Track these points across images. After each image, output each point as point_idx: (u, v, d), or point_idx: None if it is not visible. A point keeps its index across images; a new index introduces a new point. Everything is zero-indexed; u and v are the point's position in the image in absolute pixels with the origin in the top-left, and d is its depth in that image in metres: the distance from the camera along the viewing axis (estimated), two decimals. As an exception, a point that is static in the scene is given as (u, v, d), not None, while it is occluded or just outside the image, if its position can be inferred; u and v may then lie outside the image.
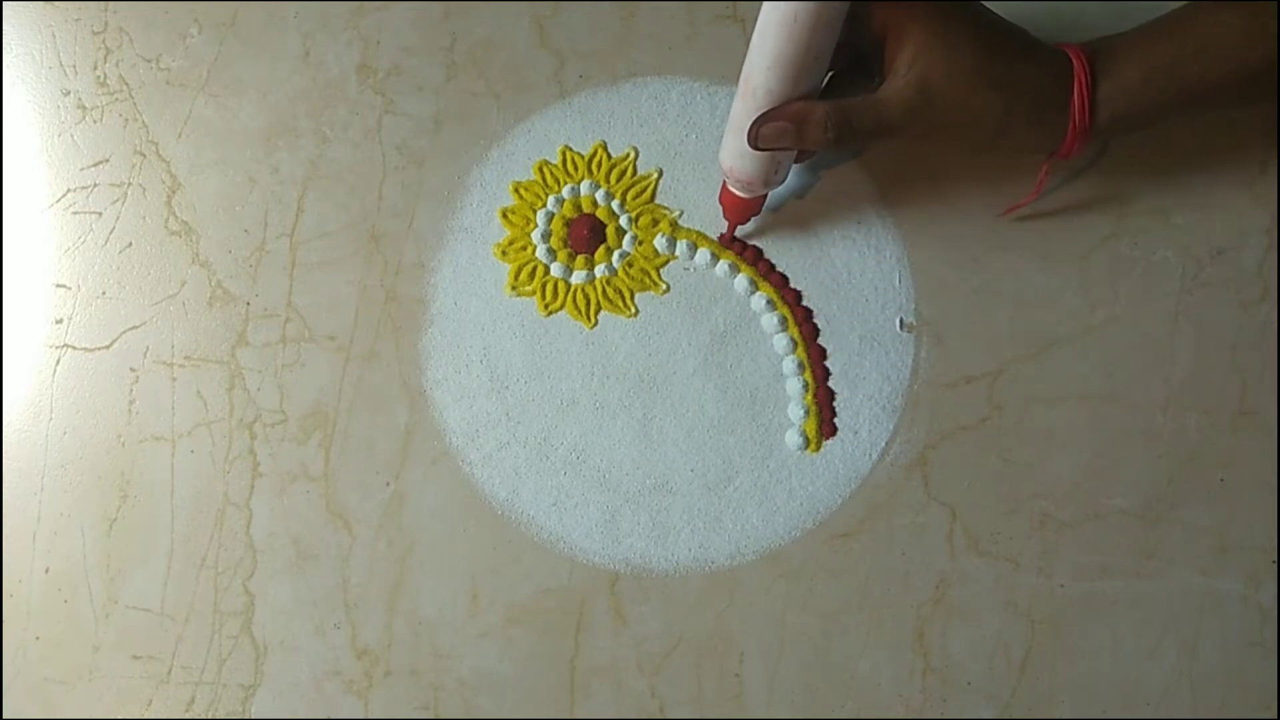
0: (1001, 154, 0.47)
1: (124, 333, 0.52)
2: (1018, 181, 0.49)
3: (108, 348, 0.52)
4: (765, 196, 0.48)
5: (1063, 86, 0.42)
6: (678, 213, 0.51)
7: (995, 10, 0.43)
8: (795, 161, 0.48)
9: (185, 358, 0.51)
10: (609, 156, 0.52)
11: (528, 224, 0.51)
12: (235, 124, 0.53)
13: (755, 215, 0.49)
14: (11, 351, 0.52)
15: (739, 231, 0.50)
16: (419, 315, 0.51)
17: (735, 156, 0.45)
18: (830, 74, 0.44)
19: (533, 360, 0.50)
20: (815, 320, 0.50)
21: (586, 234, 0.51)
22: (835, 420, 0.49)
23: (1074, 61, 0.42)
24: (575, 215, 0.51)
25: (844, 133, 0.42)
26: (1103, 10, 0.50)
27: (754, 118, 0.43)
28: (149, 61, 0.54)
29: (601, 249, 0.51)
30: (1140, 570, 0.48)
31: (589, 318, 0.50)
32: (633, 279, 0.51)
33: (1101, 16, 0.50)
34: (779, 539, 0.49)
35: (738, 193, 0.47)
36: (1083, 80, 0.42)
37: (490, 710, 0.48)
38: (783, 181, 0.47)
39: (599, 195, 0.51)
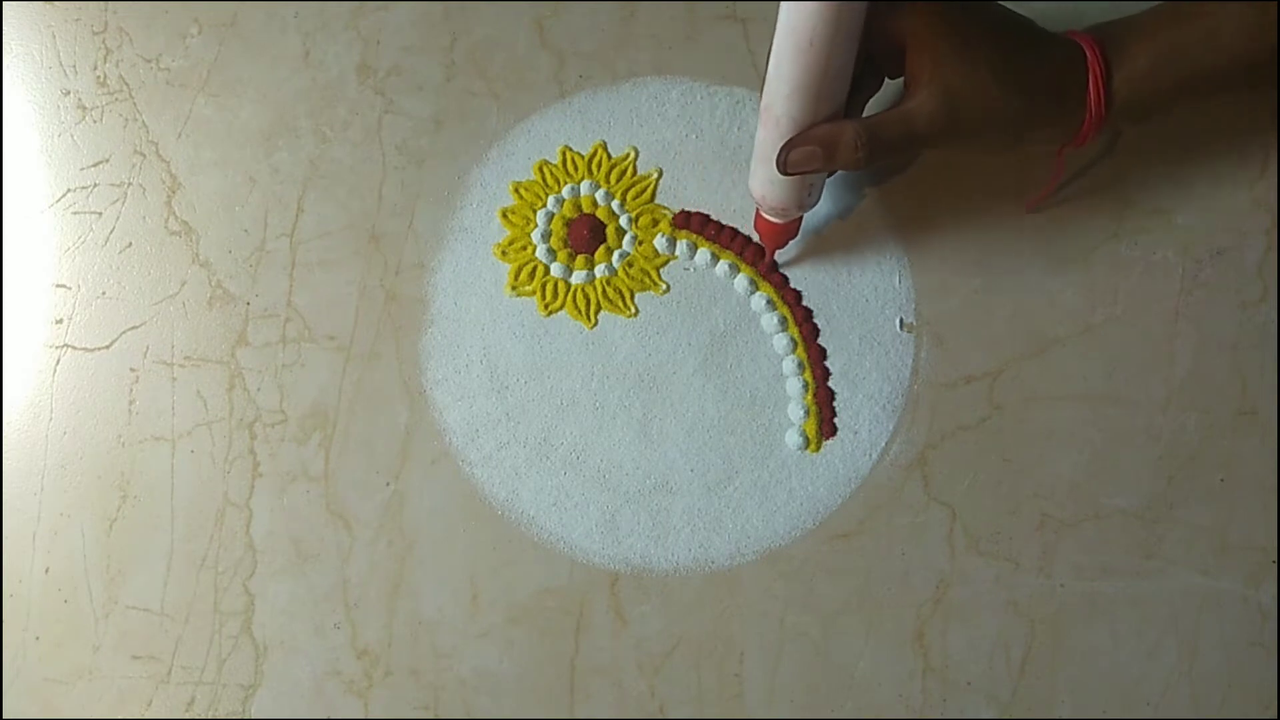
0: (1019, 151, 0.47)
1: (124, 333, 0.52)
2: (1016, 179, 0.49)
3: (108, 348, 0.52)
4: (801, 219, 0.48)
5: (1077, 77, 0.42)
6: (677, 212, 0.51)
7: (1005, 5, 0.43)
8: (829, 176, 0.47)
9: (185, 358, 0.51)
10: (609, 156, 0.52)
11: (528, 224, 0.51)
12: (235, 124, 0.53)
13: (793, 239, 0.48)
14: (11, 351, 0.52)
15: (779, 256, 0.50)
16: (419, 315, 0.51)
17: (765, 184, 0.45)
18: None
19: (533, 360, 0.50)
20: (815, 320, 0.50)
21: (586, 234, 0.51)
22: (835, 420, 0.49)
23: (1087, 52, 0.42)
24: (575, 215, 0.51)
25: (874, 150, 0.42)
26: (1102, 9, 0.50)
27: (780, 145, 0.42)
28: (149, 61, 0.54)
29: (601, 249, 0.51)
30: (1140, 570, 0.48)
31: (589, 318, 0.50)
32: (633, 279, 0.51)
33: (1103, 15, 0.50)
34: (779, 539, 0.49)
35: (772, 219, 0.47)
36: (1097, 71, 0.42)
37: (490, 710, 0.48)
38: (816, 202, 0.46)
39: (599, 195, 0.51)
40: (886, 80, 0.45)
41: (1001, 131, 0.43)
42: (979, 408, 0.49)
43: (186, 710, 0.49)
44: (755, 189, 0.45)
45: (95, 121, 0.54)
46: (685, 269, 0.51)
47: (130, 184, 0.53)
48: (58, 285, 0.52)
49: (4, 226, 0.53)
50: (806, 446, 0.49)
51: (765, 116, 0.43)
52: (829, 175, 0.48)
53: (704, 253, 0.50)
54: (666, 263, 0.51)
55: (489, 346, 0.51)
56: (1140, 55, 0.42)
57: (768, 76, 0.42)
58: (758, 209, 0.47)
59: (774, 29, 0.40)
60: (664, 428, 0.50)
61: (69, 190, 0.53)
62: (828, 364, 0.49)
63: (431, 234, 0.52)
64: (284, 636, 0.49)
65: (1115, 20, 0.44)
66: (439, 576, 0.49)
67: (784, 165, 0.42)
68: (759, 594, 0.48)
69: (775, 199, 0.45)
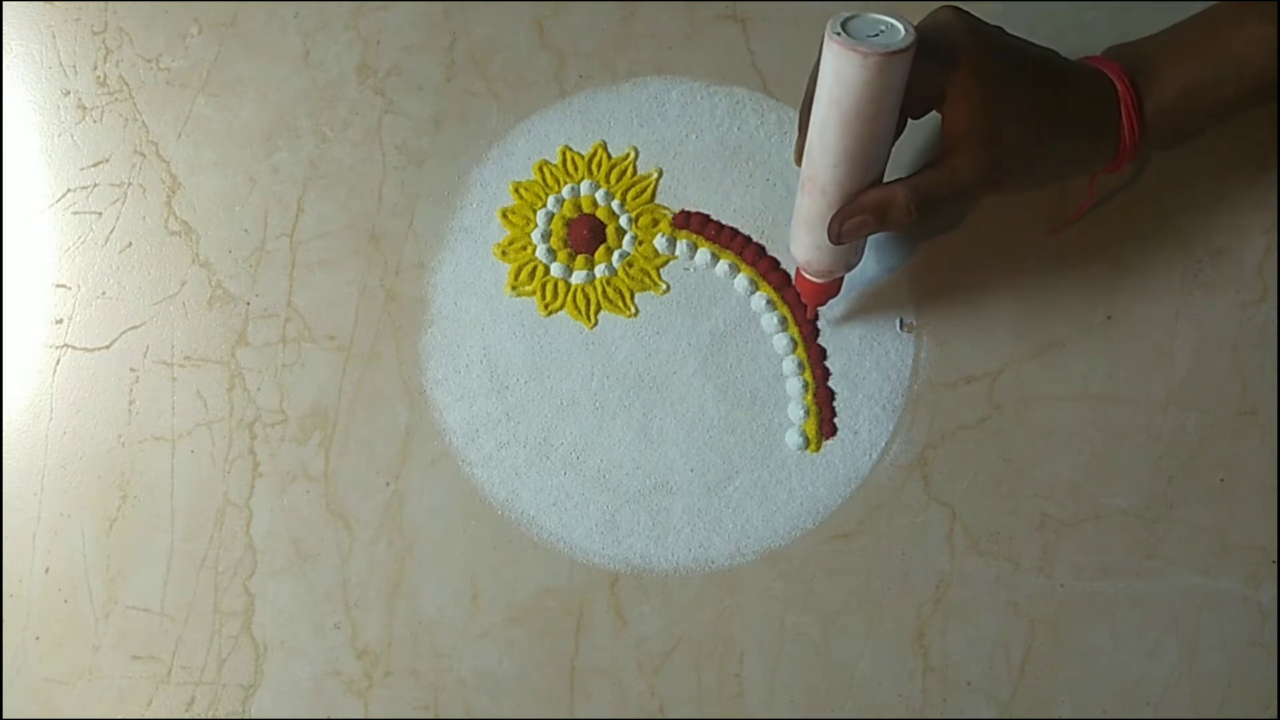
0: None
1: (124, 333, 0.52)
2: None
3: (108, 348, 0.52)
4: (843, 278, 0.47)
5: (1109, 110, 0.42)
6: (677, 212, 0.51)
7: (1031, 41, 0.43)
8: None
9: (185, 358, 0.51)
10: (609, 156, 0.52)
11: (528, 224, 0.51)
12: (235, 124, 0.53)
13: (834, 297, 0.48)
14: (11, 351, 0.52)
15: (824, 312, 0.50)
16: (419, 315, 0.51)
17: (810, 250, 0.45)
18: None
19: (533, 360, 0.50)
20: (815, 320, 0.50)
21: (586, 234, 0.51)
22: (835, 420, 0.49)
23: (1117, 84, 0.42)
24: (575, 215, 0.51)
25: (925, 210, 0.42)
26: (1103, 10, 0.50)
27: (826, 215, 0.42)
28: (149, 61, 0.54)
29: (601, 249, 0.51)
30: (1140, 570, 0.48)
31: (589, 318, 0.50)
32: (633, 279, 0.51)
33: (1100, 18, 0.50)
34: (779, 539, 0.49)
35: (815, 280, 0.46)
36: (1129, 101, 0.42)
37: (490, 710, 0.48)
38: (860, 260, 0.46)
39: (599, 195, 0.51)
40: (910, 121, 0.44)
41: (1043, 173, 0.43)
42: (979, 408, 0.49)
43: (186, 710, 0.49)
44: (800, 254, 0.45)
45: (95, 121, 0.54)
46: (685, 269, 0.51)
47: (130, 184, 0.53)
48: (58, 285, 0.52)
49: (4, 226, 0.53)
50: (806, 446, 0.49)
51: (809, 186, 0.42)
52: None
53: (704, 253, 0.50)
54: (666, 263, 0.51)
55: (489, 346, 0.51)
56: (1170, 83, 0.42)
57: (809, 147, 0.42)
58: (798, 269, 0.47)
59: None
60: (664, 428, 0.50)
61: (69, 190, 0.53)
62: (828, 364, 0.49)
63: (431, 234, 0.52)
64: (284, 636, 0.49)
65: (1137, 43, 0.44)
66: (439, 576, 0.49)
67: (838, 236, 0.43)
68: (759, 594, 0.48)
69: (820, 263, 0.45)
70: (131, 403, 0.51)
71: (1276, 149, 0.49)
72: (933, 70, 0.40)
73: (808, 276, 0.46)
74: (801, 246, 0.45)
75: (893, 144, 0.42)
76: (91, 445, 0.51)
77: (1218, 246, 0.49)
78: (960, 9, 0.41)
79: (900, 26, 0.38)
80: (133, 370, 0.51)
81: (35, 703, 0.50)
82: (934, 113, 0.43)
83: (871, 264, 0.49)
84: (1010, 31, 0.43)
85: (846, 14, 0.39)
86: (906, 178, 0.42)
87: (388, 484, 0.50)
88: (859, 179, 0.41)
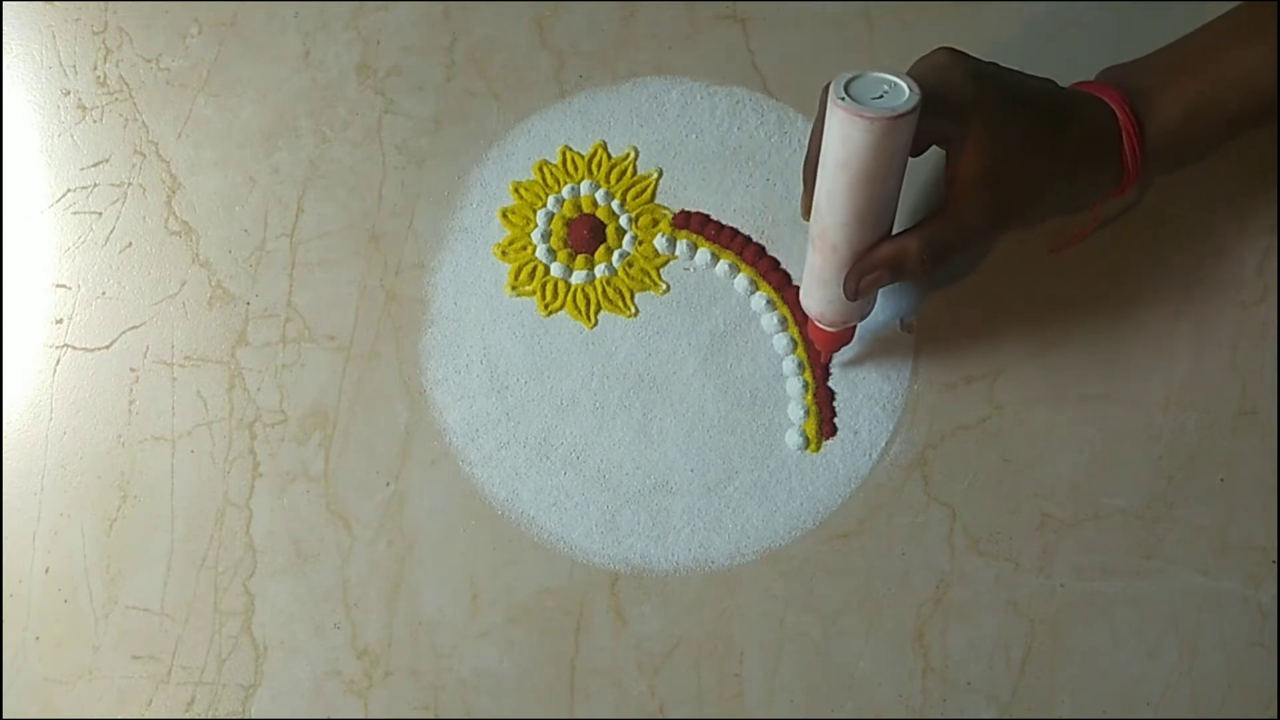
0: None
1: (124, 333, 0.52)
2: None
3: (108, 348, 0.52)
4: (856, 326, 0.47)
5: (1110, 139, 0.42)
6: (677, 212, 0.51)
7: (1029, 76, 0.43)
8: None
9: (185, 358, 0.51)
10: (609, 156, 0.52)
11: (528, 224, 0.51)
12: (235, 124, 0.53)
13: (847, 344, 0.48)
14: (11, 351, 0.52)
15: (836, 359, 0.50)
16: (419, 315, 0.51)
17: (823, 304, 0.45)
18: None
19: (533, 360, 0.50)
20: (828, 365, 0.50)
21: (586, 234, 0.51)
22: (835, 420, 0.49)
23: (1117, 112, 0.42)
24: (575, 215, 0.51)
25: (939, 258, 0.42)
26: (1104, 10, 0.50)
27: (839, 271, 0.43)
28: (149, 61, 0.54)
29: (601, 249, 0.51)
30: (1140, 570, 0.48)
31: (589, 318, 0.50)
32: (633, 279, 0.51)
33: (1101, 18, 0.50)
34: (779, 539, 0.49)
35: (829, 329, 0.46)
36: (1130, 130, 0.42)
37: (490, 710, 0.48)
38: (873, 309, 0.46)
39: (599, 195, 0.51)
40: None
41: (1050, 208, 0.44)
42: (979, 408, 0.49)
43: (186, 710, 0.49)
44: (812, 308, 0.45)
45: (95, 121, 0.54)
46: (685, 269, 0.51)
47: (130, 184, 0.53)
48: (58, 285, 0.52)
49: (4, 226, 0.53)
50: (806, 446, 0.49)
51: (819, 244, 0.42)
52: None
53: (704, 253, 0.50)
54: (666, 263, 0.51)
55: (489, 346, 0.51)
56: (1170, 108, 0.42)
57: (817, 206, 0.42)
58: (810, 320, 0.47)
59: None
60: (664, 428, 0.50)
61: (69, 190, 0.53)
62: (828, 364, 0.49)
63: (431, 234, 0.52)
64: (284, 636, 0.49)
65: (1133, 66, 0.44)
66: (439, 576, 0.49)
67: (854, 293, 0.43)
68: (759, 594, 0.48)
69: (835, 315, 0.45)
70: (131, 403, 0.51)
71: (1277, 149, 0.49)
72: (939, 123, 0.40)
73: (821, 326, 0.46)
74: (814, 301, 0.45)
75: (899, 194, 0.42)
76: (91, 445, 0.51)
77: (1218, 246, 0.49)
78: (956, 50, 0.41)
79: (904, 85, 0.38)
80: (133, 370, 0.51)
81: (35, 703, 0.50)
82: (934, 147, 0.43)
83: (882, 311, 0.49)
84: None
85: (849, 75, 0.39)
86: (917, 227, 0.42)
87: (388, 484, 0.50)
88: (870, 235, 0.42)
